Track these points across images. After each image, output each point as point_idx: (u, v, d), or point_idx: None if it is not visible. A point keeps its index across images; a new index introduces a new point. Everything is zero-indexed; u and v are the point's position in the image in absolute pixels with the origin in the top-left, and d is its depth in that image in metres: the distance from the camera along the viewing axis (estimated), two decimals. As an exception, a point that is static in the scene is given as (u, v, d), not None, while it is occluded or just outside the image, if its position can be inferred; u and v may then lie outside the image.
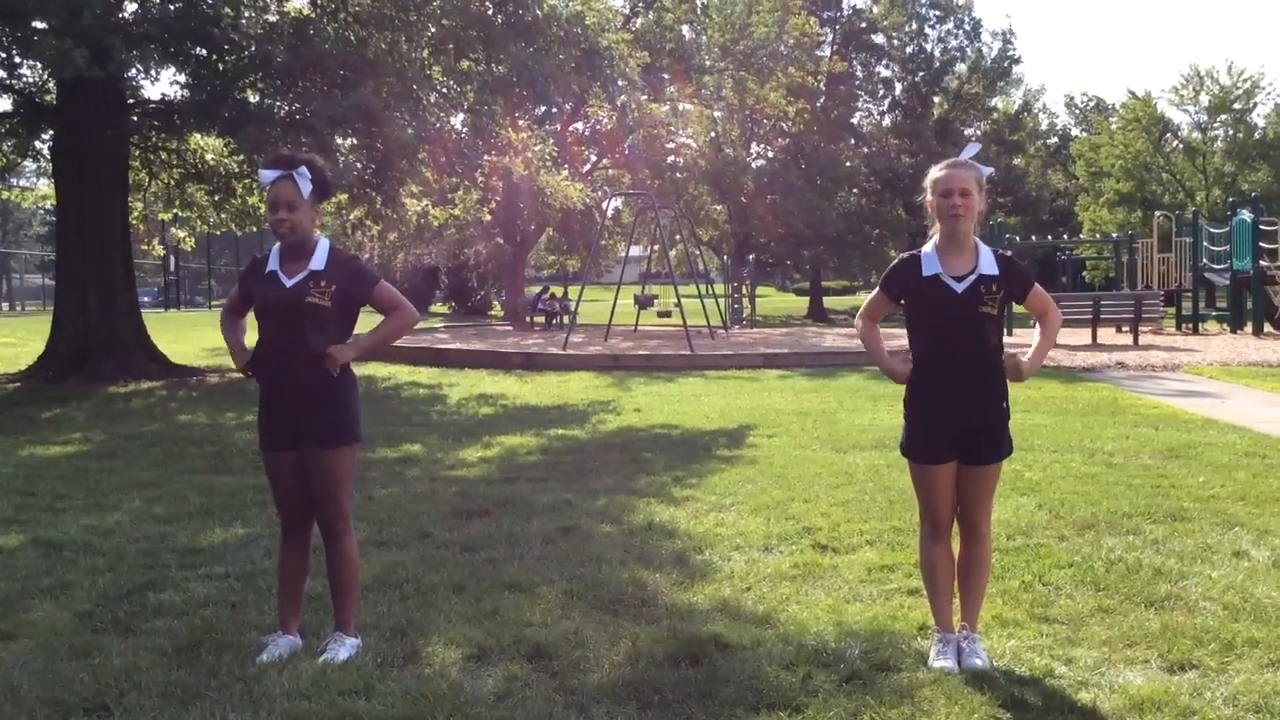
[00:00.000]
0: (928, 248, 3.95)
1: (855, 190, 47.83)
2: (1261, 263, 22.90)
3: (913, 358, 4.00)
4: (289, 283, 3.98)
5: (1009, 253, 3.98)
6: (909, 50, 50.58)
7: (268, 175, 3.97)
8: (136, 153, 16.77)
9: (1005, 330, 4.27)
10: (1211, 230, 26.75)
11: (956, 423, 3.92)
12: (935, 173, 3.94)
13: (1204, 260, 25.96)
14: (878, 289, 4.10)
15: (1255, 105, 50.48)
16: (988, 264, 3.87)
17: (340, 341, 4.02)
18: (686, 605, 4.59)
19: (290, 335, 3.96)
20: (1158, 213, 31.13)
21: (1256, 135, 50.37)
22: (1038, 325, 4.07)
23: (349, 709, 3.48)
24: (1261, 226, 23.30)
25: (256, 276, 4.09)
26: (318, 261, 4.00)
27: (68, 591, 4.85)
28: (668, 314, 26.13)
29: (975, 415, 3.91)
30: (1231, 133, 51.05)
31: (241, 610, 4.57)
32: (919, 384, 3.97)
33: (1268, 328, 23.33)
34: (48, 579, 5.04)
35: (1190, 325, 26.09)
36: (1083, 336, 20.84)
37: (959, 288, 3.84)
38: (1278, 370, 15.22)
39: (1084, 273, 43.89)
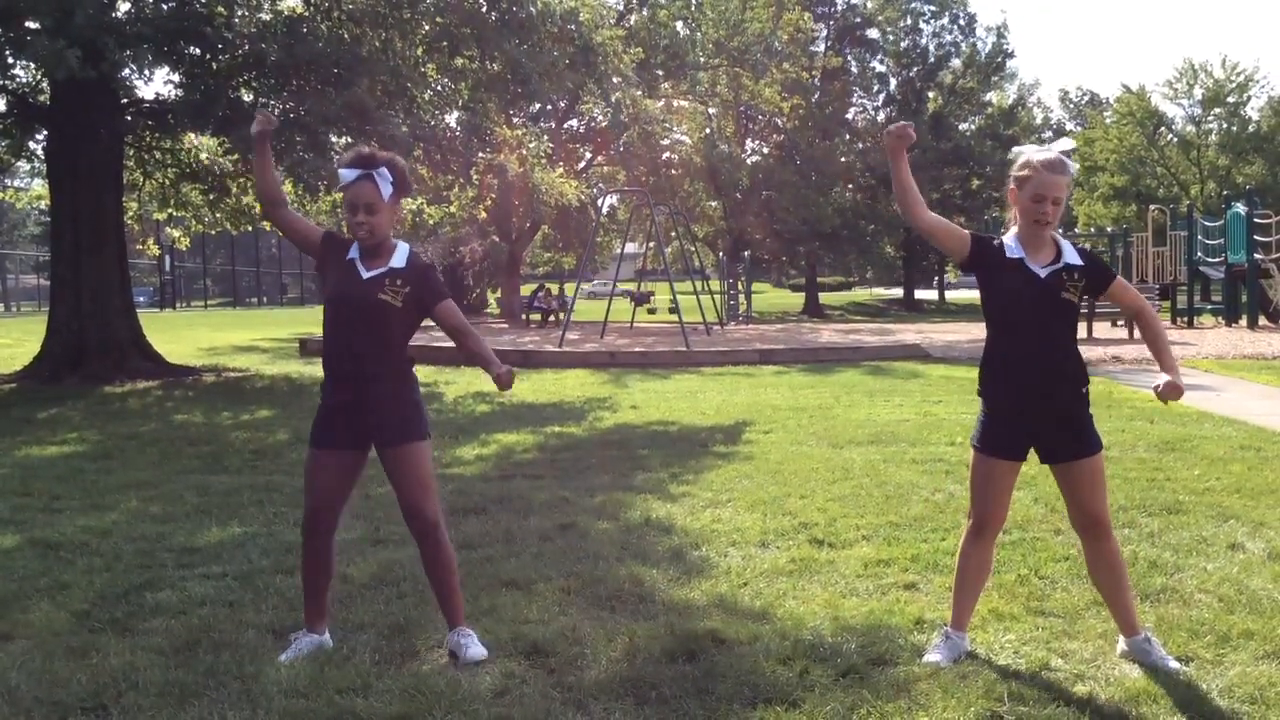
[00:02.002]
0: (1008, 237, 3.86)
1: (850, 186, 47.87)
2: (1256, 256, 22.94)
3: (990, 344, 3.91)
4: (366, 275, 3.91)
5: (1086, 247, 3.94)
6: (903, 45, 50.68)
7: (347, 175, 3.86)
8: (131, 152, 16.74)
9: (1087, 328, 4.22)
10: (1206, 224, 26.81)
11: (1034, 411, 3.82)
12: (1028, 169, 3.77)
13: (1199, 254, 26.01)
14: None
15: (1249, 99, 50.61)
16: (1071, 255, 3.82)
17: (402, 342, 3.96)
18: (683, 601, 4.60)
19: (361, 329, 3.89)
20: (1152, 207, 31.18)
21: (1250, 129, 50.47)
22: (1143, 334, 3.99)
23: (347, 707, 3.49)
24: (1256, 220, 23.34)
25: (337, 255, 3.98)
26: (398, 260, 3.94)
27: (65, 592, 4.85)
28: (653, 309, 26.15)
29: (1055, 403, 3.81)
30: (1226, 126, 51.15)
31: (239, 609, 4.56)
32: (997, 373, 3.88)
33: (1262, 321, 23.37)
34: (45, 579, 5.04)
35: (1185, 319, 26.14)
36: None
37: (1042, 274, 3.77)
38: (1273, 363, 15.25)
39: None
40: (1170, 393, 3.75)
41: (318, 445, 4.03)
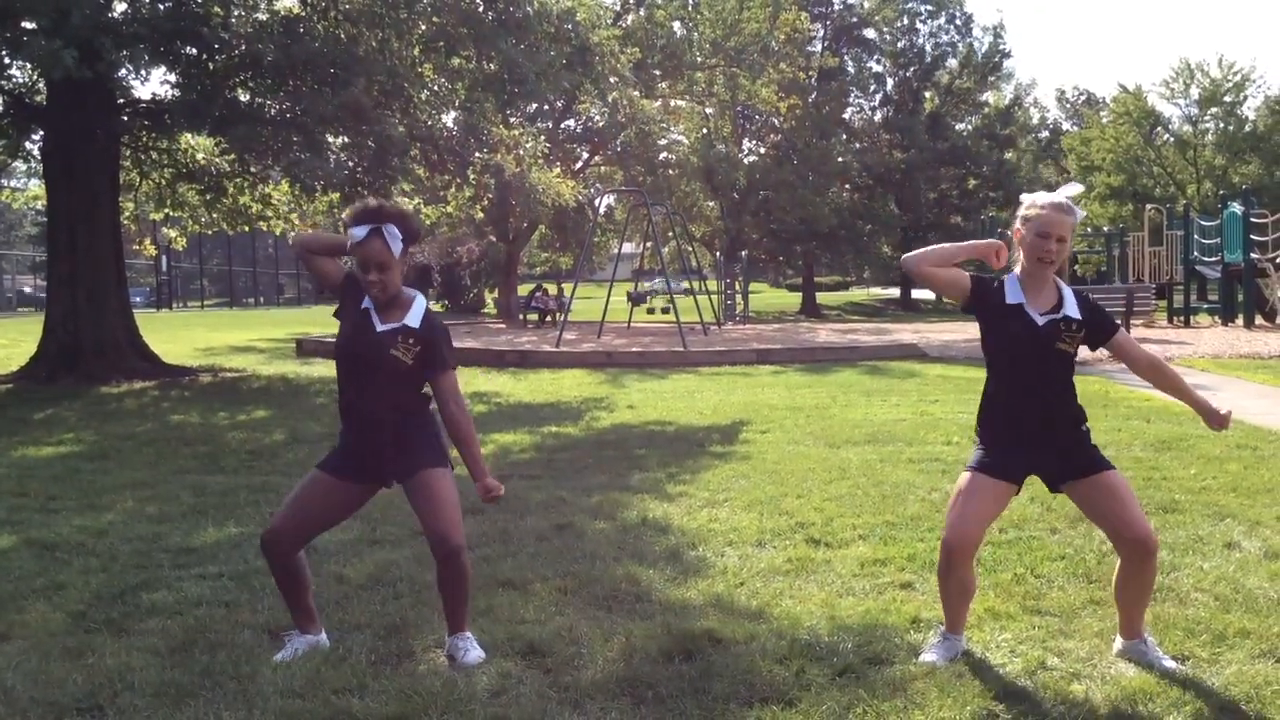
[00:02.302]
0: (1009, 279, 3.86)
1: (847, 186, 47.88)
2: (1252, 255, 22.96)
3: (989, 385, 3.93)
4: (380, 328, 3.90)
5: (1092, 296, 3.94)
6: (900, 45, 50.67)
7: (358, 233, 3.84)
8: (127, 153, 16.72)
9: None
10: (1203, 223, 26.83)
11: (1030, 450, 3.82)
12: (1034, 209, 3.79)
13: (1195, 253, 26.03)
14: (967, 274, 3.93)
15: (1246, 98, 50.55)
16: (1071, 306, 3.82)
17: (411, 395, 3.97)
18: (680, 601, 4.60)
19: (366, 380, 3.90)
20: (1149, 206, 31.23)
21: (1247, 128, 50.43)
22: (1164, 385, 4.00)
23: (342, 707, 3.48)
24: (1252, 219, 23.37)
25: (353, 301, 3.97)
26: (413, 318, 3.92)
27: (61, 592, 4.84)
28: (652, 309, 26.17)
29: (1049, 442, 3.82)
30: (1222, 126, 51.12)
31: (235, 609, 4.56)
32: (995, 415, 3.89)
33: (1259, 320, 23.40)
34: (41, 580, 5.04)
35: (1182, 318, 26.18)
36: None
37: (1040, 321, 3.78)
38: (1269, 362, 15.27)
39: (1076, 266, 43.93)
40: (1220, 423, 3.92)
41: (331, 472, 4.00)
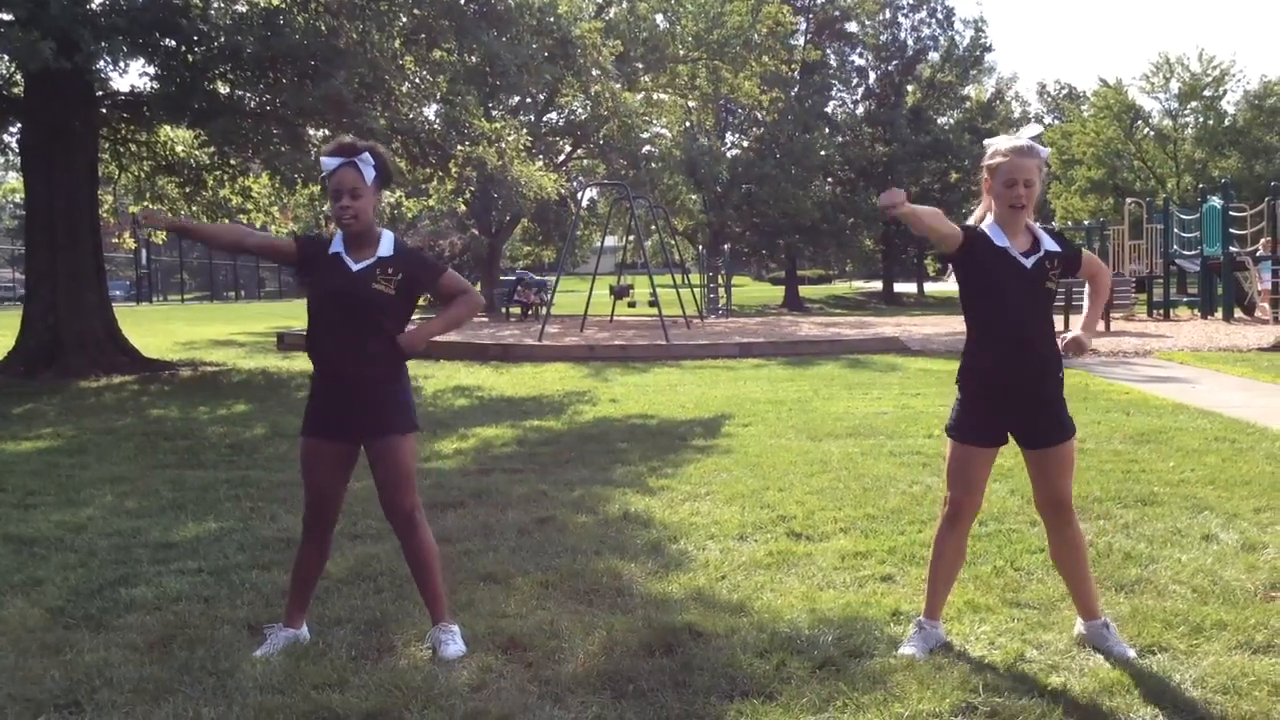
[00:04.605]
0: (987, 223, 3.88)
1: (830, 179, 47.96)
2: (1231, 248, 23.10)
3: (970, 333, 3.94)
4: (355, 267, 3.89)
5: (1055, 227, 3.99)
6: (882, 39, 50.75)
7: (329, 163, 3.85)
8: (106, 145, 16.61)
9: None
10: (1182, 216, 26.98)
11: (1014, 399, 3.85)
12: (998, 157, 3.82)
13: (1175, 246, 26.18)
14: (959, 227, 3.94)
15: (1225, 92, 50.89)
16: (1049, 242, 3.88)
17: (398, 331, 3.95)
18: (661, 594, 4.60)
19: (353, 323, 3.87)
20: (1129, 200, 31.36)
21: (1227, 122, 50.75)
22: (1088, 286, 4.10)
23: (323, 702, 3.48)
24: (1231, 213, 23.52)
25: (318, 254, 3.95)
26: (385, 249, 3.93)
27: (39, 588, 4.82)
28: (633, 303, 26.16)
29: (1034, 388, 3.85)
30: (1202, 120, 51.43)
31: (214, 605, 4.54)
32: (978, 358, 3.91)
33: (1238, 313, 23.55)
34: (18, 575, 5.01)
35: (1161, 311, 26.32)
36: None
37: (1027, 263, 3.81)
38: (1248, 355, 15.37)
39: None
40: (1073, 346, 3.91)
41: (311, 434, 3.99)
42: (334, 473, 4.02)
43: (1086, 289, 4.13)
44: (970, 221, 3.98)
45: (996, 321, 3.87)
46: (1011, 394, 3.86)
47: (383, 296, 3.87)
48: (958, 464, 3.94)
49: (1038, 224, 3.95)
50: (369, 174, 3.86)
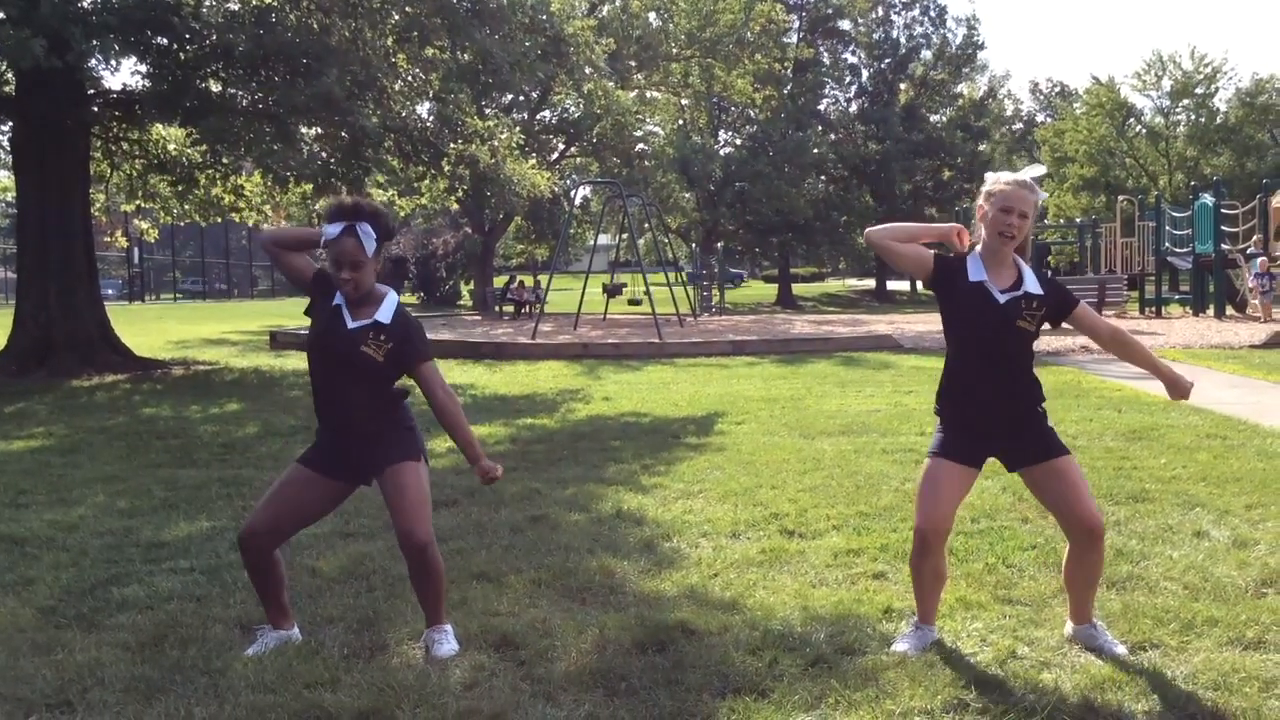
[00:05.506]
0: (971, 257, 3.88)
1: (823, 177, 47.99)
2: (1223, 246, 23.16)
3: (948, 363, 3.95)
4: (351, 325, 3.88)
5: (1051, 274, 3.96)
6: (875, 37, 50.80)
7: (331, 230, 3.82)
8: (98, 143, 16.57)
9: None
10: (1174, 214, 27.05)
11: (991, 428, 3.85)
12: (998, 185, 3.84)
13: (1167, 244, 26.24)
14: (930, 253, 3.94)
15: (1217, 90, 51.03)
16: (1032, 283, 3.85)
17: (384, 390, 3.94)
18: (654, 592, 4.60)
19: (337, 378, 3.88)
20: (1121, 197, 31.41)
21: (1218, 120, 50.89)
22: (1127, 355, 3.99)
23: (314, 701, 3.47)
24: (1223, 210, 23.56)
25: (325, 297, 3.94)
26: (384, 314, 3.90)
27: (30, 587, 4.80)
28: (638, 301, 26.15)
29: (1008, 424, 3.85)
30: (1194, 117, 51.57)
31: (206, 604, 4.54)
32: (954, 393, 3.91)
33: (1230, 311, 23.60)
34: (10, 575, 4.99)
35: (1153, 309, 26.38)
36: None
37: (1002, 299, 3.80)
38: (1239, 352, 15.41)
39: (1049, 258, 44.27)
40: (1182, 391, 3.89)
41: (305, 463, 3.99)
42: (316, 506, 4.02)
43: (1136, 363, 4.01)
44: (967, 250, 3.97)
45: (970, 353, 3.88)
46: (985, 419, 3.86)
47: (370, 360, 3.86)
48: (930, 480, 3.86)
49: (1030, 265, 3.93)
50: (369, 245, 3.84)
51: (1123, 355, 4.03)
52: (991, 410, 3.84)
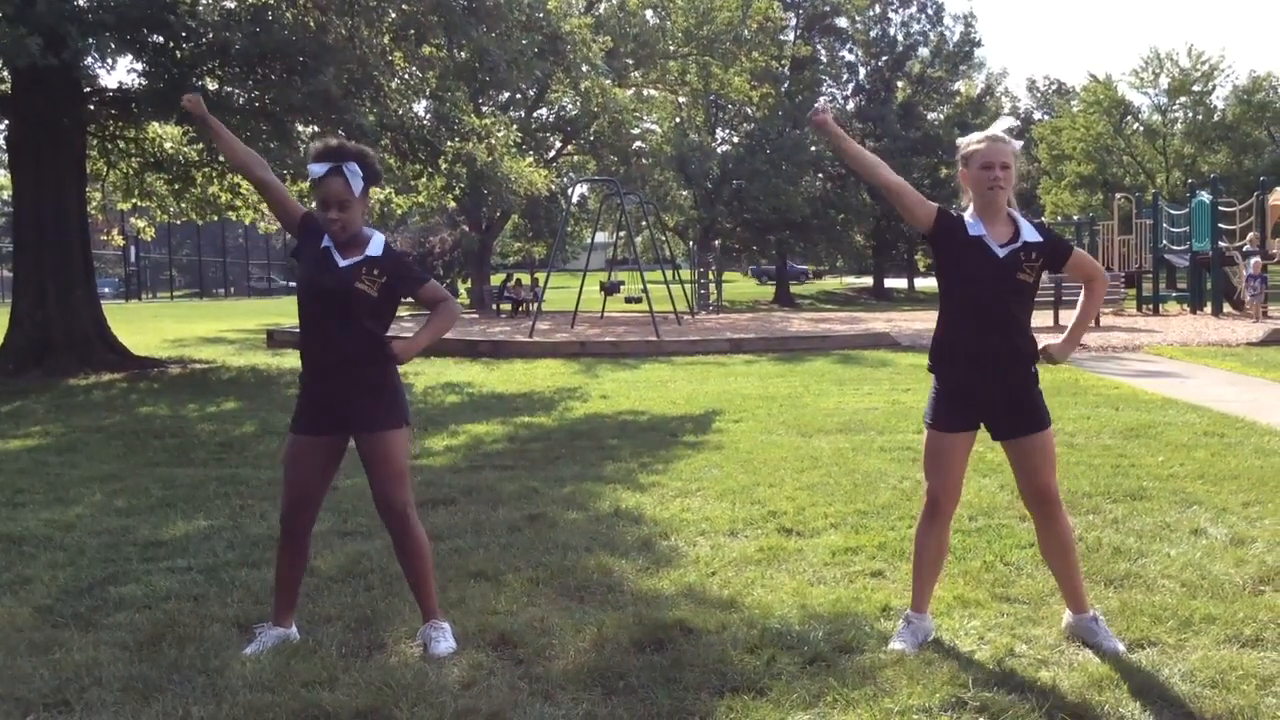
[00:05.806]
0: (968, 215, 3.90)
1: (820, 175, 47.96)
2: (1220, 243, 23.17)
3: (943, 321, 3.95)
4: (342, 263, 3.88)
5: (1045, 221, 3.98)
6: (872, 34, 50.77)
7: (317, 169, 3.83)
8: (94, 142, 16.54)
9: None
10: (1171, 212, 27.04)
11: (983, 385, 3.86)
12: (972, 146, 3.88)
13: (1164, 241, 26.24)
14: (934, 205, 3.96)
15: (1214, 87, 50.98)
16: (1030, 233, 3.87)
17: (379, 332, 3.94)
18: (652, 591, 4.60)
19: (335, 318, 3.86)
20: (1118, 195, 31.41)
21: (1216, 117, 50.87)
22: (1082, 291, 4.08)
23: (312, 700, 3.47)
24: (1220, 208, 23.57)
25: (312, 239, 3.94)
26: (374, 249, 3.92)
27: (27, 586, 4.80)
28: (636, 299, 26.14)
29: (1006, 381, 3.86)
30: (1191, 115, 51.54)
31: (204, 603, 4.53)
32: (951, 349, 3.92)
33: (1227, 308, 23.62)
34: (7, 574, 4.99)
35: (1151, 306, 26.39)
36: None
37: (1001, 253, 3.81)
38: (1237, 350, 15.42)
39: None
40: (1044, 356, 3.94)
41: (299, 430, 3.99)
42: (318, 470, 4.01)
43: (1081, 294, 4.10)
44: (962, 209, 3.99)
45: (969, 308, 3.88)
46: (980, 378, 3.87)
47: (365, 295, 3.87)
48: (933, 451, 3.97)
49: (1023, 215, 3.95)
50: (356, 184, 3.85)
51: (1083, 294, 4.08)
52: (989, 367, 3.85)
